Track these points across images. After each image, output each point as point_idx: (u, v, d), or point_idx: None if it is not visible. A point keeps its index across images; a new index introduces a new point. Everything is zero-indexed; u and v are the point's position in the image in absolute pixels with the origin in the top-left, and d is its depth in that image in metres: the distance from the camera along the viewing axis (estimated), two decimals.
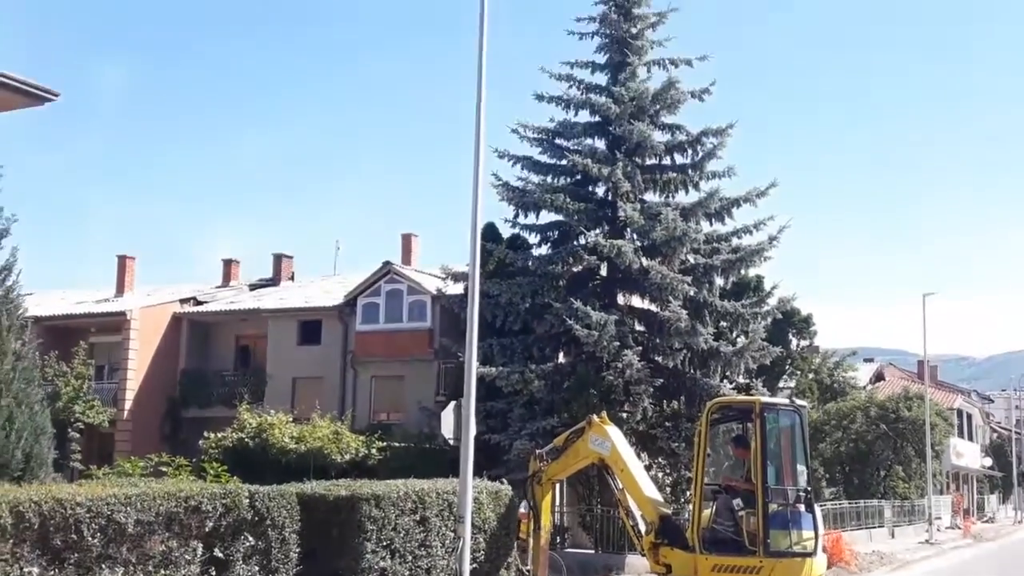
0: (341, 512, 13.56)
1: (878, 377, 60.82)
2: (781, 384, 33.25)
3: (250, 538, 12.20)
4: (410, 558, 14.31)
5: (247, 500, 12.30)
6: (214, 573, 11.78)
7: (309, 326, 34.99)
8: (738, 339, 28.20)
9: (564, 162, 28.35)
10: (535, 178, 28.61)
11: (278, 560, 12.57)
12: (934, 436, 43.70)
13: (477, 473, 15.96)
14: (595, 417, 17.43)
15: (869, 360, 65.31)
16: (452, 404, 16.99)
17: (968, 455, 63.80)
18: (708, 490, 15.66)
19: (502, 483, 17.51)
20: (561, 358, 27.90)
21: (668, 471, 26.84)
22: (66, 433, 30.53)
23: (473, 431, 14.88)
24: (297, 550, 12.85)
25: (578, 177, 28.41)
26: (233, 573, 11.97)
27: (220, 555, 11.85)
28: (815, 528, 14.84)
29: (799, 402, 16.97)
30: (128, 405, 35.19)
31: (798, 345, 34.84)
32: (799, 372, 35.24)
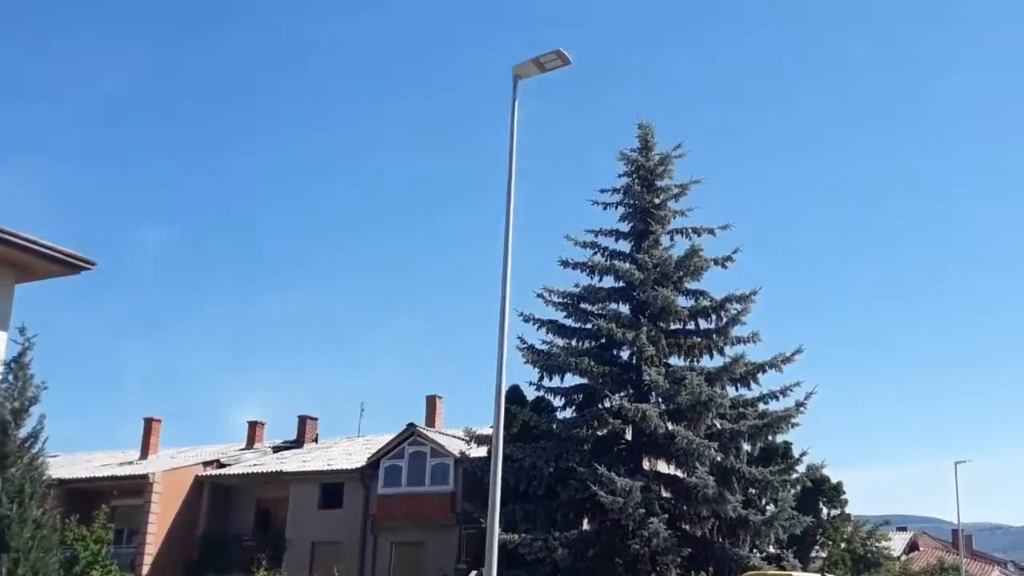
0: None
1: (912, 547, 58.98)
2: (813, 554, 32.29)
3: None
4: None
5: None
6: None
7: (331, 489, 34.66)
8: (767, 507, 27.63)
9: (589, 326, 28.59)
10: (560, 341, 28.82)
11: None
12: None
13: None
14: None
15: (902, 529, 63.64)
16: (473, 574, 16.62)
17: None
18: None
19: None
20: (586, 525, 27.36)
21: None
22: None
23: None
24: None
25: (602, 341, 28.58)
26: None
27: None
28: None
29: None
30: (146, 570, 34.59)
31: (829, 514, 33.99)
32: (831, 542, 34.21)
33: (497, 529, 14.95)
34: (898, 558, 48.39)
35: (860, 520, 39.17)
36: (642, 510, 25.03)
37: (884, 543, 43.15)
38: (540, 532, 25.65)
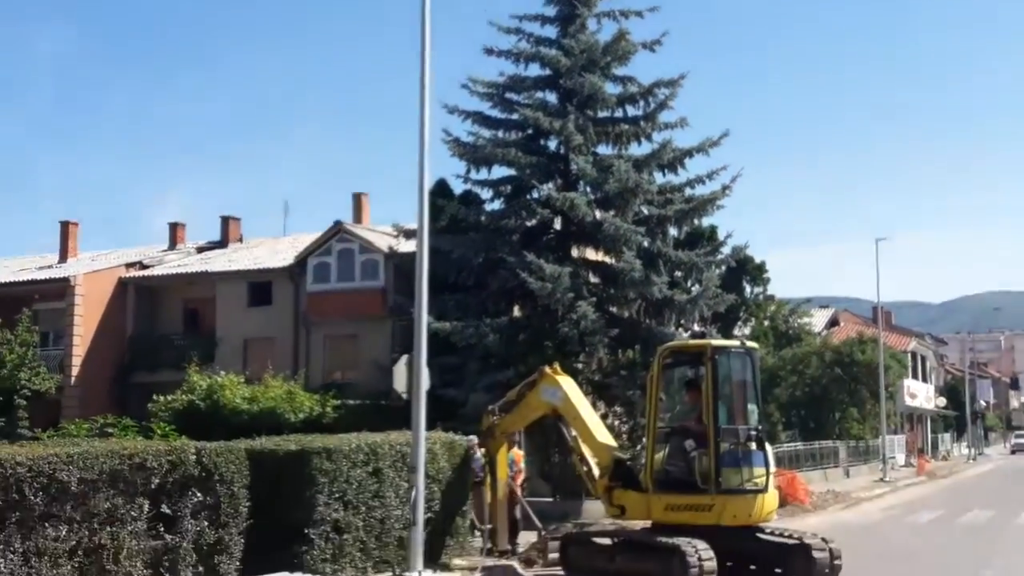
0: (291, 465, 13.38)
1: (833, 323, 61.39)
2: (736, 331, 33.47)
3: (198, 494, 12.00)
4: (364, 509, 14.18)
5: (194, 456, 12.09)
6: (162, 529, 11.59)
7: (259, 288, 34.55)
8: (692, 288, 28.24)
9: (515, 116, 28.00)
10: (486, 133, 28.27)
11: (227, 515, 12.38)
12: (888, 378, 44.39)
13: (432, 427, 15.86)
14: (546, 368, 17.38)
15: (824, 307, 65.85)
16: (404, 357, 16.83)
17: (921, 396, 65.00)
18: (661, 433, 15.68)
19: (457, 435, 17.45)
20: (516, 312, 27.77)
21: (624, 419, 26.93)
22: (12, 400, 30.08)
23: (427, 383, 14.75)
24: (247, 504, 12.66)
25: (530, 131, 28.09)
26: (181, 528, 11.77)
27: (168, 511, 11.66)
28: (766, 465, 14.91)
29: (750, 344, 17.04)
30: (75, 371, 34.60)
31: (752, 293, 35.04)
32: (754, 319, 35.46)
33: (425, 314, 15.01)
34: (819, 333, 50.50)
35: (783, 300, 40.57)
36: (571, 294, 25.39)
37: (806, 320, 44.87)
38: (471, 320, 25.98)
